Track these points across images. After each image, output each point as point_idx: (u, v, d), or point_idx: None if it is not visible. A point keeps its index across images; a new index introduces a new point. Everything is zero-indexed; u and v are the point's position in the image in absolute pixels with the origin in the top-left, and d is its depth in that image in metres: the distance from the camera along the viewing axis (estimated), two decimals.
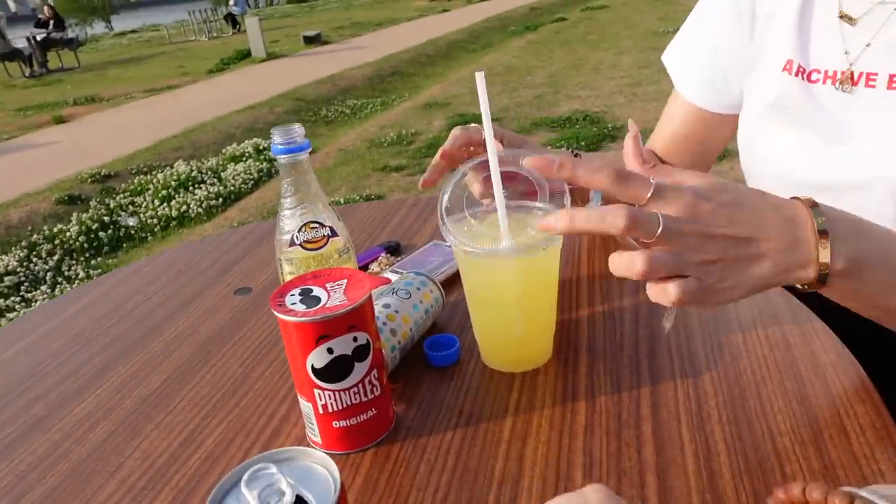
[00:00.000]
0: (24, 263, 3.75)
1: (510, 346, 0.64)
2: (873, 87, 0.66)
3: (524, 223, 0.60)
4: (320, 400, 0.52)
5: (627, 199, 0.45)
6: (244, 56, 11.09)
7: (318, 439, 0.55)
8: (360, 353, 0.51)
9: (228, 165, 4.97)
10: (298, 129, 0.62)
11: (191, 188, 4.55)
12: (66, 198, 4.61)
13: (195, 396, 0.65)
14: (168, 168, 5.00)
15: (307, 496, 0.36)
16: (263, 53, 10.80)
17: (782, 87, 0.73)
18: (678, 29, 0.90)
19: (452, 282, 0.79)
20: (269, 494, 0.36)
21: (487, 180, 0.59)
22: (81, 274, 3.63)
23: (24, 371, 0.73)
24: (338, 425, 0.53)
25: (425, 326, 0.68)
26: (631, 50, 7.64)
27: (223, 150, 5.38)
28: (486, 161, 0.58)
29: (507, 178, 0.58)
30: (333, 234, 0.64)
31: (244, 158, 5.09)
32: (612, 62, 7.13)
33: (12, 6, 52.93)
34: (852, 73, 0.67)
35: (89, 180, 4.93)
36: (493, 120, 0.60)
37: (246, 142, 5.47)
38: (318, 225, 0.63)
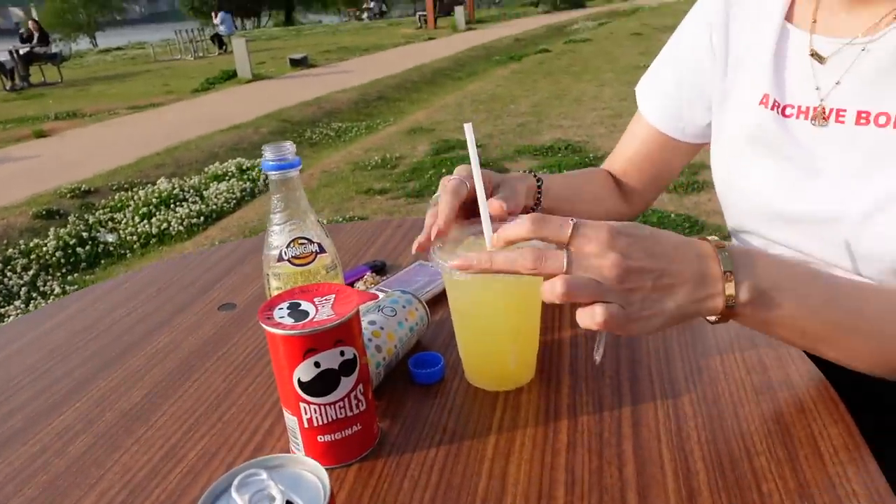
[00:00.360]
0: None
1: (494, 365, 0.64)
2: (843, 122, 0.68)
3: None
4: (306, 414, 0.52)
5: (550, 241, 0.51)
6: (230, 76, 11.12)
7: (302, 454, 0.55)
8: (347, 367, 0.52)
9: (211, 184, 4.95)
10: (290, 147, 0.63)
11: (172, 206, 4.52)
12: (43, 212, 4.55)
13: (177, 410, 0.64)
14: (150, 185, 4.97)
15: (297, 502, 0.36)
16: (249, 74, 10.84)
17: (759, 119, 0.75)
18: None
19: (438, 300, 0.79)
20: (259, 500, 0.36)
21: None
22: (57, 290, 3.57)
23: None
24: (322, 440, 0.53)
25: (410, 344, 0.69)
26: (612, 82, 7.80)
27: (206, 169, 5.37)
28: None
29: None
30: (321, 250, 0.64)
31: (227, 177, 5.08)
32: (593, 93, 7.26)
33: None
34: (824, 109, 0.70)
35: (68, 195, 4.87)
36: (477, 146, 0.63)
37: (229, 161, 5.46)
38: (306, 241, 0.64)
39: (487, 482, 0.52)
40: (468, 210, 0.68)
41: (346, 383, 0.52)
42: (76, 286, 3.61)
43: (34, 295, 3.53)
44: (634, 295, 0.49)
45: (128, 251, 4.05)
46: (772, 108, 0.74)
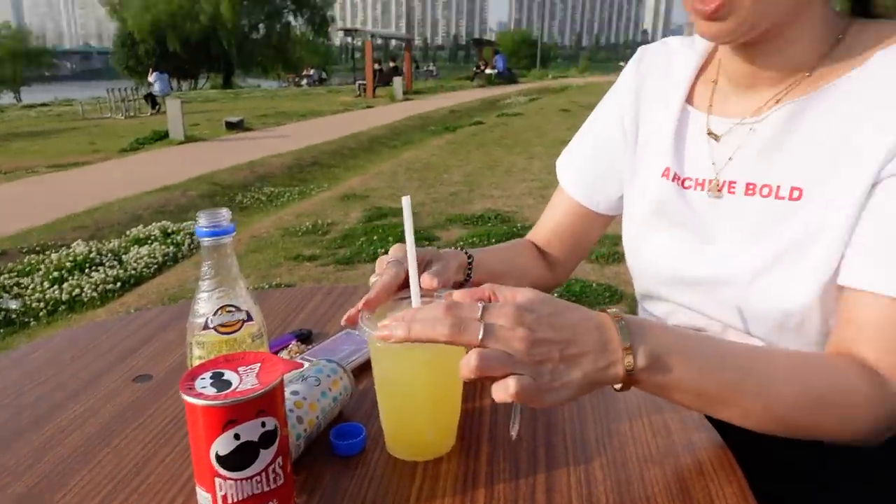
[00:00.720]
0: None
1: (415, 434, 0.66)
2: (734, 193, 0.76)
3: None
4: (220, 490, 0.51)
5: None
6: (161, 137, 10.94)
7: None
8: (267, 439, 0.52)
9: (132, 248, 4.78)
10: (225, 213, 0.64)
11: (87, 270, 4.30)
12: None
13: (95, 477, 0.62)
14: (64, 248, 4.73)
15: None
16: (182, 136, 10.70)
17: (661, 191, 0.83)
18: None
19: (364, 369, 0.80)
20: None
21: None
22: None
23: None
24: None
25: (333, 414, 0.70)
26: (541, 155, 8.16)
27: (128, 232, 5.19)
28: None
29: None
30: (249, 318, 0.65)
31: (149, 241, 4.92)
32: (523, 166, 7.57)
33: None
34: (718, 182, 0.78)
35: None
36: (412, 219, 0.66)
37: (153, 224, 5.30)
38: (234, 308, 0.64)
39: None
40: (403, 289, 0.71)
41: (265, 456, 0.52)
42: None
43: None
44: (544, 366, 0.53)
45: (32, 319, 3.79)
46: (673, 181, 0.82)
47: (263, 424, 0.51)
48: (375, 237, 4.68)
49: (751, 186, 0.74)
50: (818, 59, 0.72)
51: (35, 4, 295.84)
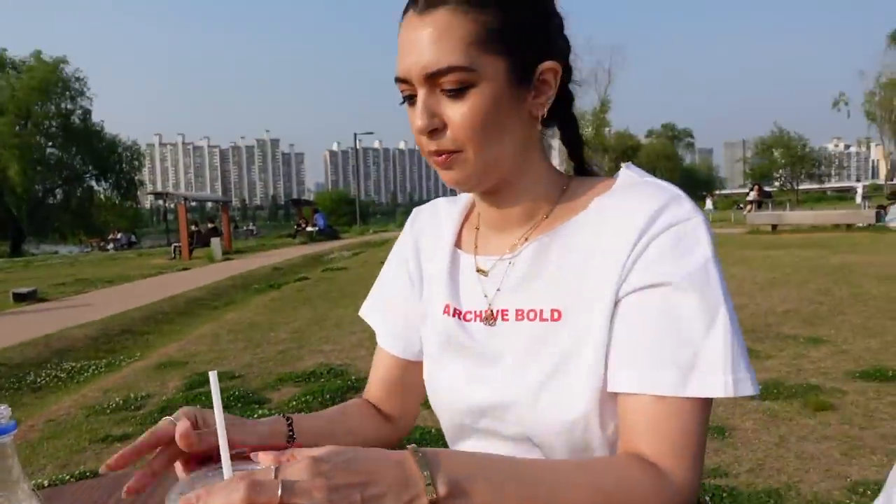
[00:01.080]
0: None
1: None
2: (507, 320, 0.83)
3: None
4: None
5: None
6: None
7: None
8: None
9: None
10: (3, 411, 0.57)
11: None
12: None
13: None
14: None
15: None
16: None
17: (445, 326, 0.89)
18: None
19: None
20: None
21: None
22: None
23: None
24: None
25: None
26: None
27: None
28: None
29: None
30: None
31: None
32: (352, 317, 7.56)
33: None
34: (492, 311, 0.85)
35: None
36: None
37: None
38: None
39: None
40: (178, 452, 0.72)
41: None
42: None
43: None
44: None
45: None
46: (453, 315, 0.89)
47: None
48: (198, 406, 4.29)
49: (520, 312, 0.82)
50: (551, 205, 0.85)
51: None
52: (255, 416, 4.07)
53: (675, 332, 0.71)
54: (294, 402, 4.32)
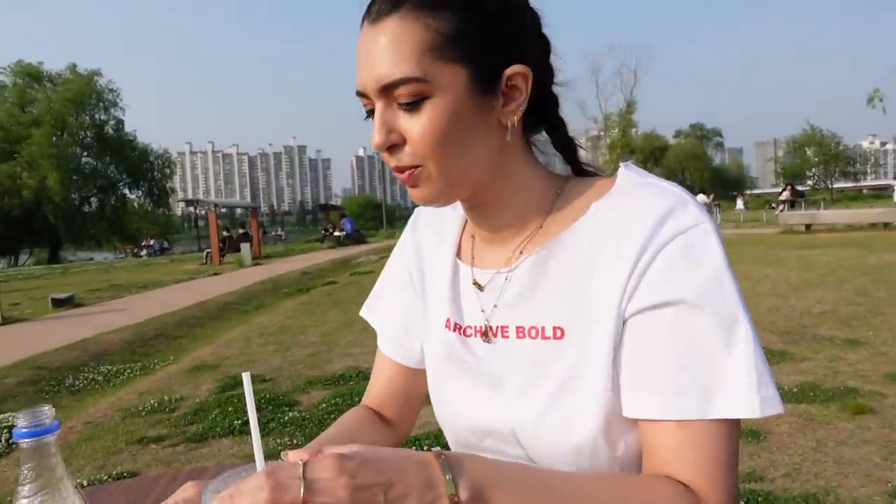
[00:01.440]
0: None
1: None
2: (507, 337, 0.79)
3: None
4: None
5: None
6: None
7: None
8: None
9: None
10: (47, 411, 0.59)
11: None
12: None
13: None
14: None
15: None
16: None
17: (447, 340, 0.86)
18: None
19: None
20: None
21: None
22: None
23: None
24: None
25: None
26: None
27: None
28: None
29: None
30: None
31: None
32: None
33: None
34: (490, 327, 0.81)
35: None
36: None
37: None
38: None
39: None
40: None
41: None
42: None
43: None
44: None
45: None
46: (454, 330, 0.86)
47: None
48: (230, 408, 4.36)
49: (521, 329, 0.78)
50: (544, 213, 0.79)
51: None
52: (286, 418, 4.12)
53: (693, 352, 0.66)
54: (323, 405, 4.36)
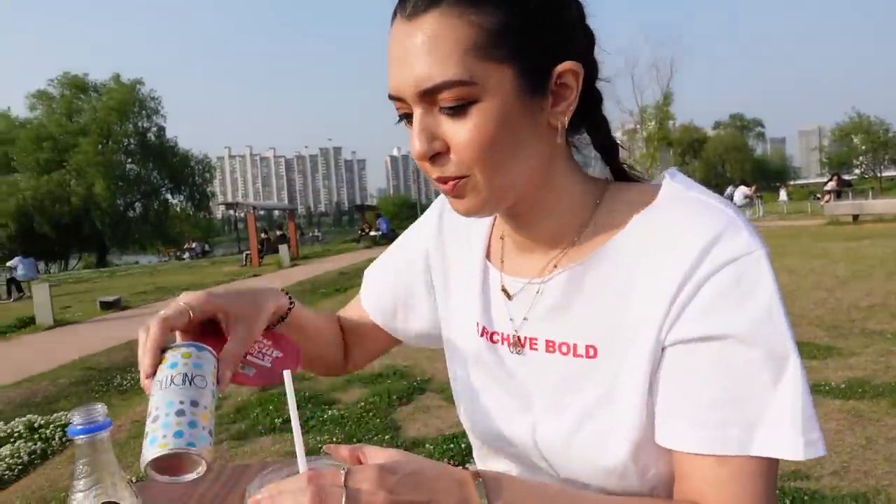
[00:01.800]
0: None
1: None
2: (536, 349, 0.76)
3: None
4: None
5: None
6: (27, 323, 10.12)
7: None
8: None
9: None
10: (100, 409, 0.62)
11: None
12: None
13: None
14: None
15: None
16: (51, 320, 9.96)
17: (477, 346, 0.83)
18: None
19: None
20: None
21: None
22: None
23: None
24: None
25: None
26: None
27: None
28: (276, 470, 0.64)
29: None
30: None
31: (12, 439, 4.38)
32: None
33: None
34: (519, 338, 0.77)
35: None
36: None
37: (16, 420, 4.75)
38: None
39: None
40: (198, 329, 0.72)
41: None
42: None
43: None
44: None
45: None
46: (482, 335, 0.82)
47: None
48: (271, 407, 4.45)
49: (551, 343, 0.74)
50: (582, 224, 0.74)
51: None
52: (325, 416, 4.18)
53: (738, 387, 0.63)
54: (362, 403, 4.41)
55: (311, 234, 48.57)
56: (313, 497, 0.52)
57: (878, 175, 57.71)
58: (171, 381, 0.62)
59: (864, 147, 56.54)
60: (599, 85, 0.75)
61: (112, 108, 41.59)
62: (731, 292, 0.62)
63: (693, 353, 0.64)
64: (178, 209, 48.06)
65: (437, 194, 0.89)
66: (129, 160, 44.69)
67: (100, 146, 41.17)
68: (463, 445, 3.40)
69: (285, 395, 0.65)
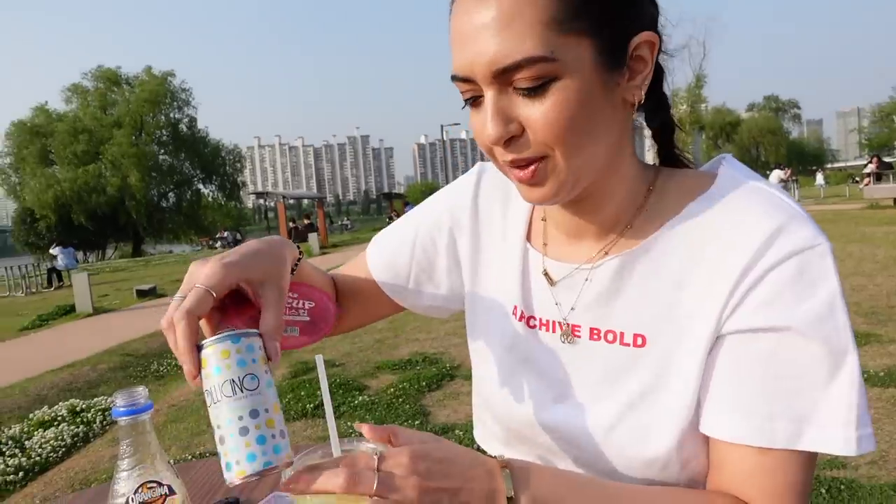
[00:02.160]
0: None
1: None
2: (579, 337, 0.74)
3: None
4: None
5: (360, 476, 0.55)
6: (67, 311, 10.44)
7: None
8: None
9: (35, 432, 4.38)
10: (142, 391, 0.64)
11: None
12: None
13: None
14: None
15: None
16: (90, 308, 10.26)
17: (513, 330, 0.80)
18: None
19: None
20: None
21: None
22: None
23: None
24: None
25: None
26: None
27: (31, 415, 4.78)
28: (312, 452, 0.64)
29: None
30: (171, 492, 0.63)
31: (56, 423, 4.53)
32: None
33: None
34: (563, 324, 0.75)
35: None
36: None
37: (60, 404, 4.92)
38: (155, 484, 0.62)
39: None
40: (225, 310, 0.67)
41: None
42: None
43: None
44: None
45: None
46: (520, 319, 0.79)
47: None
48: (303, 392, 4.52)
49: (595, 331, 0.73)
50: (635, 210, 0.72)
51: None
52: (356, 401, 4.24)
53: (792, 380, 0.61)
54: (391, 389, 4.46)
55: (340, 223, 48.96)
56: (347, 480, 0.53)
57: None
58: (221, 393, 0.56)
59: None
60: (662, 59, 0.71)
61: (145, 100, 42.31)
62: (794, 284, 0.61)
63: (750, 343, 0.63)
64: (209, 199, 48.80)
65: None
66: (162, 151, 45.45)
67: (133, 138, 41.94)
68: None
69: (315, 380, 0.67)
